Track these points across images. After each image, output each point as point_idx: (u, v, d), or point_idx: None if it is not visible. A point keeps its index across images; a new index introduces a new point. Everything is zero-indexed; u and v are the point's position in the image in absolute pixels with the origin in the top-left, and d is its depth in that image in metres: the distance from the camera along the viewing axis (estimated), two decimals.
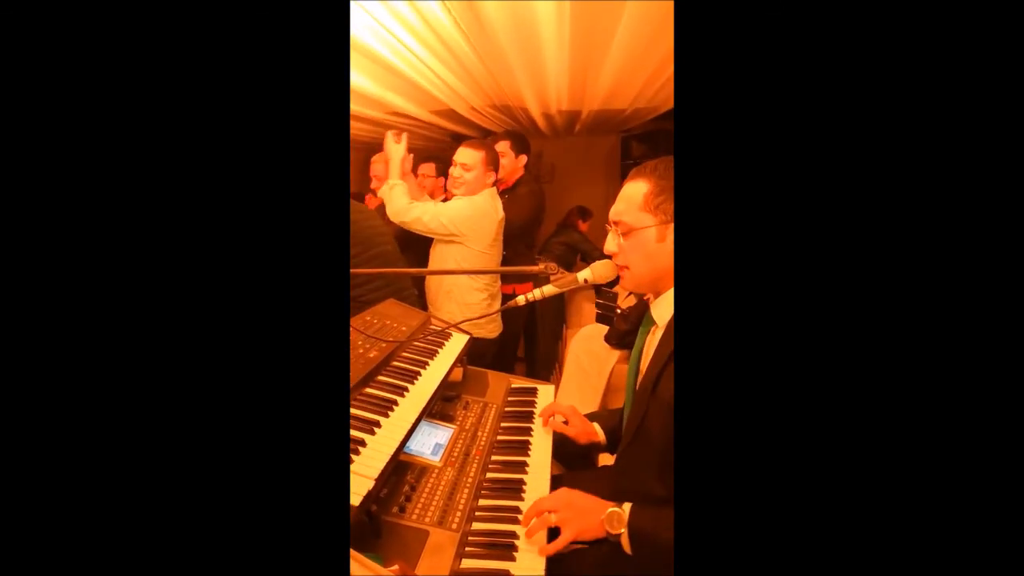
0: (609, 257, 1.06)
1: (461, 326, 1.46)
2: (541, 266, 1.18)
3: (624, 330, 2.07)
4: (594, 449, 1.28)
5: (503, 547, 0.91)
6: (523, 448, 1.20)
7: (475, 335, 1.98)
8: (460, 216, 1.96)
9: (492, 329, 2.16)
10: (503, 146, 2.27)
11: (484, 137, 2.73)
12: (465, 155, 2.00)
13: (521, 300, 1.17)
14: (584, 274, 1.14)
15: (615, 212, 1.01)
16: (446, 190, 2.76)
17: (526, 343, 2.84)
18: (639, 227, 0.97)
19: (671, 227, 0.95)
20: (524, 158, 2.36)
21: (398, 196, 1.99)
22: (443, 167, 2.62)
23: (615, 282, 1.15)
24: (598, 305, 2.27)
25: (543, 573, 0.87)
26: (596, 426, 1.26)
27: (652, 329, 1.04)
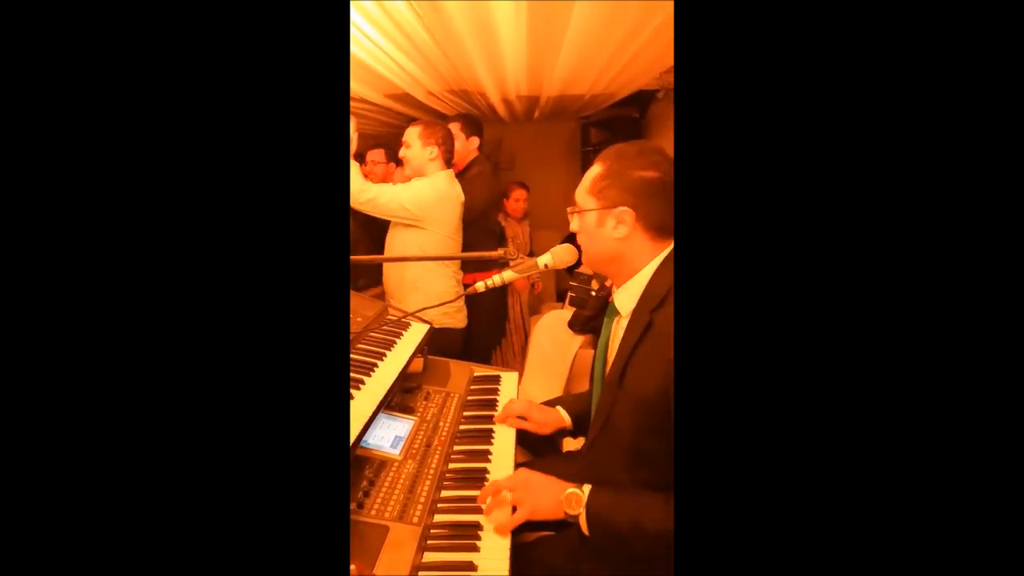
0: (571, 240, 1.05)
1: (420, 315, 1.42)
2: (500, 251, 1.16)
3: (588, 315, 2.07)
4: (559, 434, 1.27)
5: (466, 538, 0.89)
6: (486, 437, 1.19)
7: (440, 325, 1.94)
8: (422, 198, 1.87)
9: (460, 319, 2.08)
10: (453, 128, 2.19)
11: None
12: (406, 134, 1.95)
13: (480, 286, 1.14)
14: (544, 259, 1.13)
15: (577, 190, 1.02)
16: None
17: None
18: (583, 209, 0.99)
19: (612, 213, 0.95)
20: (476, 140, 2.30)
21: (350, 177, 1.85)
22: (393, 153, 2.54)
23: (577, 265, 1.15)
24: (572, 288, 2.25)
25: (507, 563, 0.85)
26: (560, 410, 1.25)
27: (616, 319, 1.04)
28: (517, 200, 3.11)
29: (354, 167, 1.89)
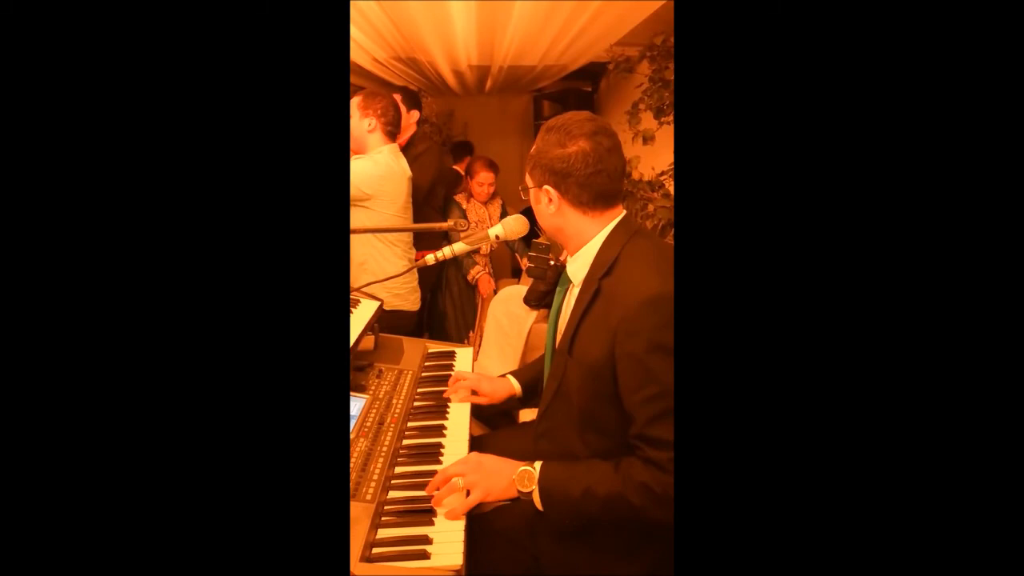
0: (524, 212, 1.05)
1: (369, 292, 1.38)
2: (450, 222, 1.13)
3: (543, 290, 2.07)
4: (513, 404, 1.28)
5: (421, 512, 0.88)
6: (441, 412, 1.17)
7: (392, 307, 1.89)
8: (366, 175, 1.78)
9: (413, 300, 2.00)
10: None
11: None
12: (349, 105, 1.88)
13: (431, 259, 1.12)
14: (495, 230, 1.11)
15: None
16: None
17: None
18: (526, 187, 1.00)
19: (542, 192, 0.95)
20: (416, 113, 2.22)
21: None
22: None
23: (530, 236, 1.14)
24: (530, 259, 2.24)
25: (463, 534, 0.85)
26: (510, 378, 1.25)
27: (568, 288, 1.04)
28: (481, 184, 2.76)
29: None
